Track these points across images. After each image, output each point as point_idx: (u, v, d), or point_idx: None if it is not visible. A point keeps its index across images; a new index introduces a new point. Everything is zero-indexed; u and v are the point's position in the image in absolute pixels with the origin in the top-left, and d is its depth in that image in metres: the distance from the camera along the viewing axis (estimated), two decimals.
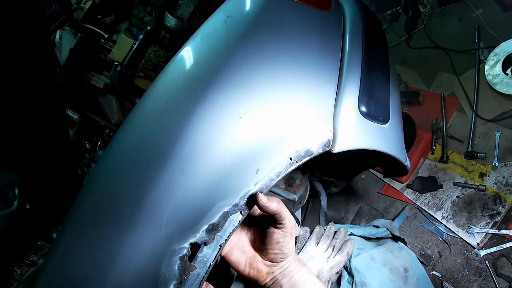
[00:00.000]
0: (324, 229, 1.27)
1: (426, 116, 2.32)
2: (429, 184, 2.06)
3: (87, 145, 3.69)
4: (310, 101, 0.91)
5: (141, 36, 3.44)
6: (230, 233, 0.73)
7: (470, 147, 2.02)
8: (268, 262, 0.80)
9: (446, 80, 2.40)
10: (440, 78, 2.45)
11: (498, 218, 1.73)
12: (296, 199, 1.53)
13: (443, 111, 2.24)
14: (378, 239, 1.62)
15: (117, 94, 3.53)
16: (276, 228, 0.77)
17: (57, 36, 3.15)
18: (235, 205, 0.73)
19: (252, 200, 0.75)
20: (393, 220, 2.05)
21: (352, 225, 1.65)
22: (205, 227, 0.72)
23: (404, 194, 2.16)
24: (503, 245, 1.68)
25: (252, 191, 0.75)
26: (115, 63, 3.38)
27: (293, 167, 0.79)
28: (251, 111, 0.83)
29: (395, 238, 1.65)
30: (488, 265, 1.68)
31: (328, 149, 0.86)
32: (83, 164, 3.62)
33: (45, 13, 2.44)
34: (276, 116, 0.85)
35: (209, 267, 0.71)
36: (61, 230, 0.90)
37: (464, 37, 2.42)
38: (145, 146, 0.83)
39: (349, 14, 1.22)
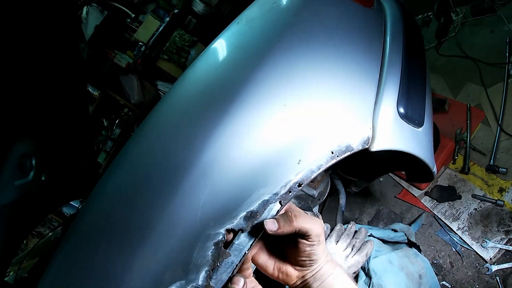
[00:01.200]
0: (345, 228, 1.26)
1: (451, 125, 2.30)
2: (447, 194, 2.04)
3: (104, 122, 3.72)
4: (352, 97, 0.90)
5: (167, 19, 3.45)
6: None
7: (492, 160, 1.99)
8: (297, 267, 0.76)
9: (474, 91, 2.37)
10: (468, 89, 2.42)
11: None
12: (316, 195, 1.53)
13: (468, 122, 2.21)
14: (394, 243, 1.61)
15: (139, 74, 3.54)
16: (302, 239, 0.72)
17: (84, 12, 3.17)
18: (276, 194, 0.72)
19: (260, 227, 0.69)
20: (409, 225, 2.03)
21: (371, 227, 1.64)
22: (244, 214, 0.70)
23: (421, 201, 2.14)
24: None
25: (294, 181, 0.73)
26: (140, 43, 3.40)
27: (333, 161, 0.78)
28: (296, 101, 0.81)
29: (411, 244, 1.64)
30: (498, 280, 1.66)
31: (366, 147, 0.85)
32: (99, 141, 3.65)
33: None
34: (319, 108, 0.83)
35: (243, 256, 0.69)
36: (89, 206, 0.90)
37: (495, 50, 2.38)
38: (186, 126, 0.83)
39: (390, 14, 1.21)
